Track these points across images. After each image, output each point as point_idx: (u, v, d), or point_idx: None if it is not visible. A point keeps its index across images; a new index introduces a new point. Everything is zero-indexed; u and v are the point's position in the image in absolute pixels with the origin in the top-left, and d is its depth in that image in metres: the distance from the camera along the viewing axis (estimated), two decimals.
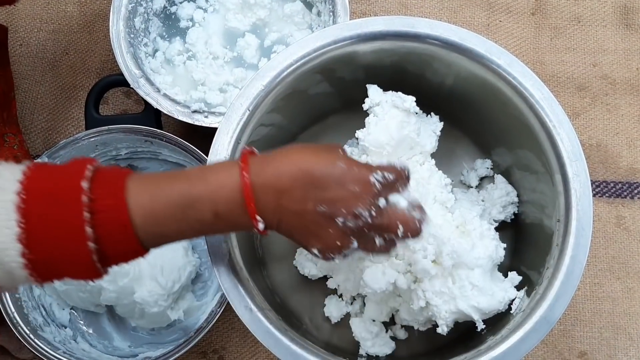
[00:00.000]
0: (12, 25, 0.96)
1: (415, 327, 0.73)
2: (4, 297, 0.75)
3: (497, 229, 0.73)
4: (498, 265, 0.70)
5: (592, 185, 0.64)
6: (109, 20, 0.83)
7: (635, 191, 0.89)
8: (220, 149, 0.66)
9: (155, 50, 0.89)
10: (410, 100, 0.69)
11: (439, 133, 0.75)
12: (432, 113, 0.76)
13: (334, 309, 0.76)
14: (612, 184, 0.89)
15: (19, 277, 0.49)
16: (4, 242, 0.47)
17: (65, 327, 0.80)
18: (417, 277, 0.66)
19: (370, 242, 0.54)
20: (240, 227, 0.54)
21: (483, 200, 0.78)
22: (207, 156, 0.67)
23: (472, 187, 0.80)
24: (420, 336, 0.74)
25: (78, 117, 0.93)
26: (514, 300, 0.66)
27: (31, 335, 0.75)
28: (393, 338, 0.75)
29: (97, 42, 0.96)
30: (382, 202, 0.53)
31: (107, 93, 0.87)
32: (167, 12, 0.91)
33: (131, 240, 0.50)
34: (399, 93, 0.70)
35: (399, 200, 0.54)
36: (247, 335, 0.83)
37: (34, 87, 0.94)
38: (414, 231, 0.55)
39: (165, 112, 0.80)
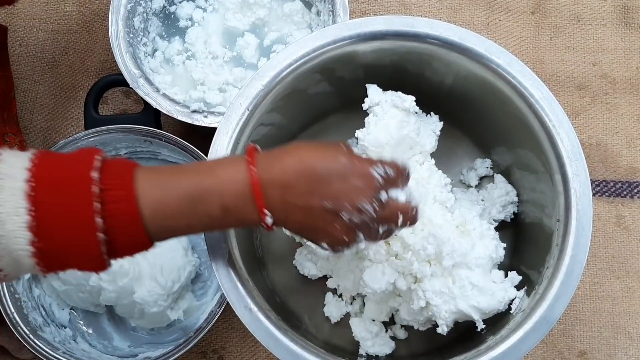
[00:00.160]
0: (11, 25, 0.96)
1: (415, 327, 0.73)
2: (3, 298, 0.75)
3: (496, 228, 0.73)
4: (498, 264, 0.70)
5: (591, 185, 0.64)
6: (108, 20, 0.83)
7: (635, 190, 0.89)
8: (220, 149, 0.66)
9: (155, 50, 0.89)
10: (409, 100, 0.69)
11: (438, 132, 0.75)
12: (431, 112, 0.76)
13: (333, 308, 0.76)
14: (611, 183, 0.89)
15: (25, 266, 0.49)
16: (13, 230, 0.47)
17: (65, 327, 0.80)
18: (417, 277, 0.66)
19: (373, 232, 0.55)
20: (248, 222, 0.54)
21: (483, 200, 0.78)
22: (206, 156, 0.67)
23: (471, 186, 0.80)
24: (420, 336, 0.74)
25: (77, 117, 0.93)
26: (513, 300, 0.66)
27: (31, 336, 0.75)
28: (393, 338, 0.75)
29: (96, 42, 0.96)
30: (384, 195, 0.54)
31: (106, 93, 0.87)
32: (166, 12, 0.91)
33: (140, 232, 0.50)
34: (399, 93, 0.70)
35: (399, 194, 0.56)
36: (247, 335, 0.83)
37: (33, 87, 0.94)
38: (412, 219, 0.57)
39: (165, 112, 0.80)
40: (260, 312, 0.62)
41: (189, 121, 0.79)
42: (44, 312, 0.79)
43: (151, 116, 0.83)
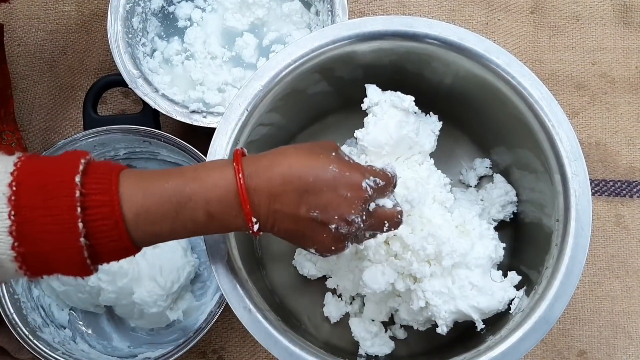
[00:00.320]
0: (9, 25, 0.96)
1: (415, 327, 0.73)
2: (3, 298, 0.75)
3: (496, 228, 0.73)
4: (497, 264, 0.70)
5: (591, 184, 0.64)
6: (106, 20, 0.83)
7: (634, 190, 0.89)
8: (219, 149, 0.66)
9: (154, 50, 0.89)
10: (409, 100, 0.69)
11: (437, 132, 0.74)
12: (431, 112, 0.75)
13: (333, 308, 0.76)
14: (611, 183, 0.89)
15: (9, 270, 0.48)
16: None
17: (65, 328, 0.80)
18: (417, 277, 0.66)
19: (359, 238, 0.57)
20: (233, 227, 0.54)
21: (482, 200, 0.78)
22: (205, 156, 0.67)
23: (471, 186, 0.80)
24: (420, 336, 0.74)
25: (76, 117, 0.93)
26: (513, 300, 0.66)
27: (30, 336, 0.75)
28: (392, 338, 0.75)
29: (95, 42, 0.96)
30: (371, 206, 0.55)
31: (105, 93, 0.87)
32: (165, 12, 0.91)
33: (123, 237, 0.49)
34: (398, 93, 0.70)
35: (386, 202, 0.56)
36: (246, 335, 0.83)
37: (32, 87, 0.94)
38: (397, 224, 0.57)
39: (164, 112, 0.80)
40: (259, 313, 0.62)
41: (188, 121, 0.79)
42: (43, 313, 0.79)
43: (150, 116, 0.83)
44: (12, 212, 0.47)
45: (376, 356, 0.74)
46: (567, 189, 0.64)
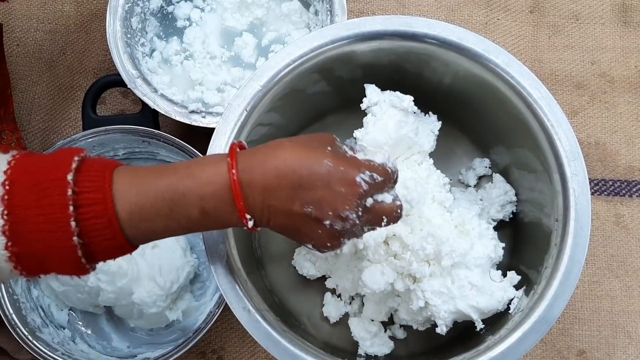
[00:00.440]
0: (8, 25, 0.96)
1: (414, 327, 0.73)
2: (2, 299, 0.75)
3: (495, 228, 0.73)
4: (497, 264, 0.70)
5: (590, 184, 0.64)
6: (105, 20, 0.83)
7: (634, 189, 0.88)
8: (218, 150, 0.66)
9: (153, 50, 0.89)
10: (408, 100, 0.69)
11: (437, 132, 0.74)
12: (430, 112, 0.75)
13: (332, 308, 0.76)
14: (610, 182, 0.89)
15: (4, 270, 0.48)
16: None
17: (64, 328, 0.80)
18: (416, 277, 0.66)
19: (357, 233, 0.54)
20: (228, 224, 0.53)
21: (481, 200, 0.78)
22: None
23: (470, 186, 0.80)
24: (419, 336, 0.74)
25: (75, 117, 0.93)
26: (512, 299, 0.66)
27: (29, 337, 0.75)
28: (392, 338, 0.75)
29: (94, 42, 0.96)
30: (369, 201, 0.53)
31: (104, 93, 0.87)
32: (164, 12, 0.90)
33: (117, 235, 0.49)
34: (397, 92, 0.70)
35: (385, 197, 0.54)
36: (245, 336, 0.83)
37: (31, 87, 0.94)
38: (396, 219, 0.55)
39: (163, 112, 0.80)
40: (259, 313, 0.62)
41: (187, 121, 0.79)
42: (42, 313, 0.79)
43: (149, 116, 0.83)
44: (5, 212, 0.46)
45: (375, 356, 0.74)
46: (566, 188, 0.64)
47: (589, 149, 0.90)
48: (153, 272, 0.78)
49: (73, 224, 0.47)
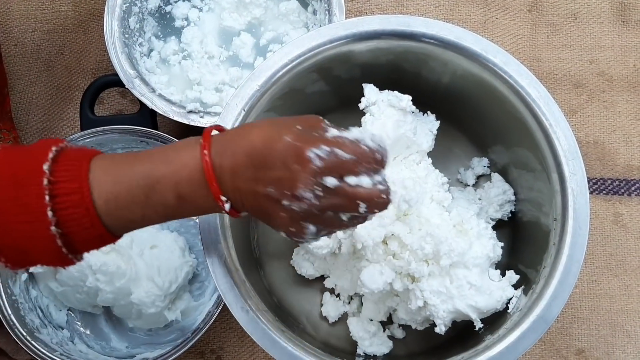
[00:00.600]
0: (6, 25, 0.96)
1: (413, 327, 0.73)
2: (0, 299, 0.75)
3: (494, 227, 0.73)
4: (495, 263, 0.70)
5: (589, 183, 0.64)
6: (103, 20, 0.83)
7: (633, 188, 0.88)
8: None
9: (150, 50, 0.89)
10: (406, 99, 0.69)
11: (435, 132, 0.74)
12: (428, 112, 0.75)
13: (331, 308, 0.76)
14: (609, 181, 0.89)
15: None
16: None
17: (63, 329, 0.80)
18: (415, 276, 0.66)
19: (333, 222, 0.50)
20: (207, 209, 0.51)
21: (480, 199, 0.78)
22: None
23: (469, 185, 0.80)
24: (418, 335, 0.74)
25: (73, 117, 0.93)
26: (511, 299, 0.66)
27: (28, 337, 0.75)
28: (391, 337, 0.75)
29: (92, 42, 0.95)
30: (330, 181, 0.47)
31: (102, 93, 0.87)
32: (162, 12, 0.90)
33: (95, 225, 0.48)
34: (395, 92, 0.70)
35: (362, 180, 0.48)
36: (244, 335, 0.82)
37: (28, 87, 0.94)
38: (381, 206, 0.49)
39: (161, 112, 0.80)
40: (257, 313, 0.62)
41: (185, 121, 0.79)
42: (41, 314, 0.79)
43: (147, 116, 0.83)
44: None
45: (374, 356, 0.74)
46: (564, 187, 0.64)
47: (588, 148, 0.90)
48: (152, 272, 0.77)
49: (50, 213, 0.46)
